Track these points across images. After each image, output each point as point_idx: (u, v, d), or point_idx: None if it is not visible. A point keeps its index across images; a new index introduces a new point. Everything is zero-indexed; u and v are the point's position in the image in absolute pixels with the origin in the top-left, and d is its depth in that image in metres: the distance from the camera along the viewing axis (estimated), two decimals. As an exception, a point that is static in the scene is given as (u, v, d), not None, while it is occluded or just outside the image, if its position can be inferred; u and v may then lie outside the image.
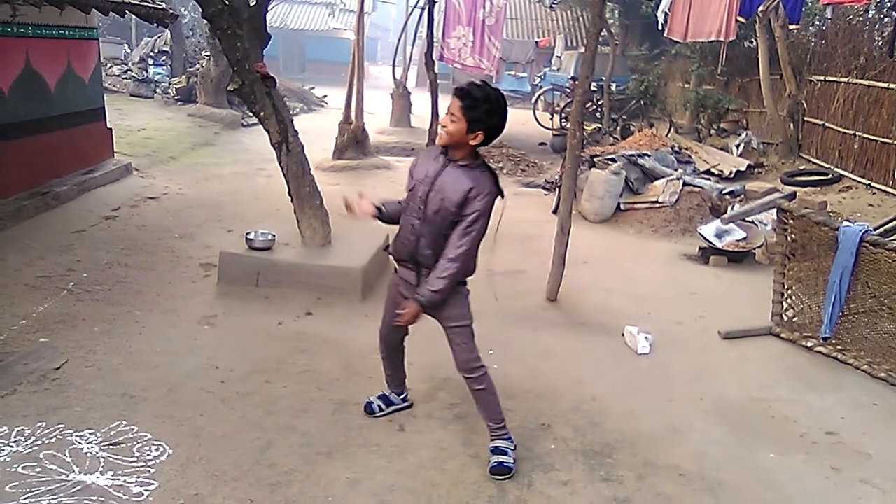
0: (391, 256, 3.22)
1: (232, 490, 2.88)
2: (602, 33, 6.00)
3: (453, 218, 2.93)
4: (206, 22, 5.19)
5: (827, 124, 10.32)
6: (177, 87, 15.52)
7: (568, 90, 15.01)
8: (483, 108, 2.84)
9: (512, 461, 3.13)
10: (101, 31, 12.00)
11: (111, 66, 16.53)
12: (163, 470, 2.97)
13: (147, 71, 16.77)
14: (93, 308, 4.63)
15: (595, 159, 8.75)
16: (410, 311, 3.00)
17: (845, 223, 4.52)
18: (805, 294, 4.81)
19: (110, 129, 8.98)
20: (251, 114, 5.50)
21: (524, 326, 4.80)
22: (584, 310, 5.26)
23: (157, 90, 15.96)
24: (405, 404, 3.60)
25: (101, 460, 3.01)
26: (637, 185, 8.13)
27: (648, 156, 8.83)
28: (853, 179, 9.32)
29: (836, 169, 9.81)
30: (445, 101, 10.16)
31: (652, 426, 3.63)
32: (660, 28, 11.33)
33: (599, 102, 13.75)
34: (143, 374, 3.78)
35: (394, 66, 15.74)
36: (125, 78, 16.31)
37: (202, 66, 15.17)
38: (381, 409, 3.53)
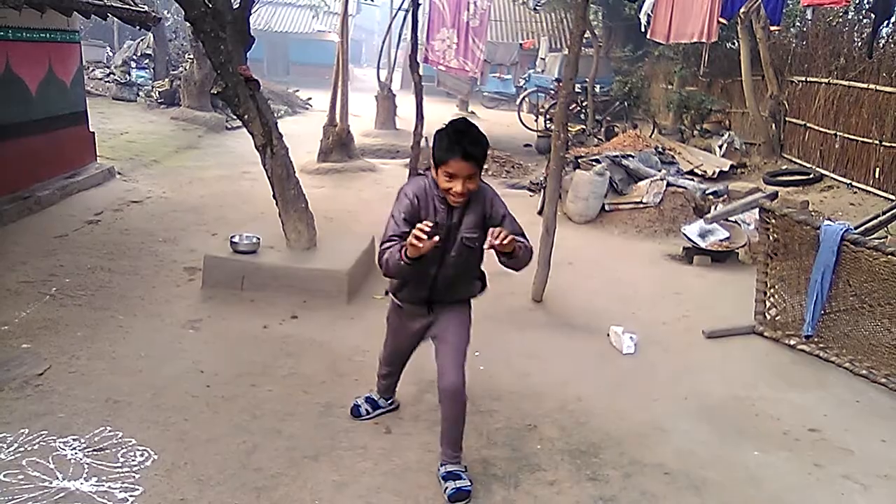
0: (393, 298, 3.07)
1: (217, 494, 2.86)
2: (586, 35, 6.02)
3: (477, 243, 2.80)
4: (188, 25, 5.17)
5: (808, 124, 10.44)
6: (160, 90, 15.43)
7: (552, 92, 15.07)
8: (485, 150, 2.72)
9: (469, 483, 2.97)
10: (83, 34, 11.93)
11: (93, 70, 16.40)
12: (148, 475, 2.95)
13: (130, 74, 16.67)
14: (76, 313, 4.60)
15: (579, 160, 8.80)
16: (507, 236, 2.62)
17: (826, 222, 4.57)
18: (787, 293, 4.85)
19: (93, 132, 8.91)
20: (235, 117, 5.48)
21: (510, 327, 4.81)
22: (569, 310, 5.28)
23: (140, 93, 15.86)
24: (391, 407, 3.59)
25: (86, 466, 2.98)
26: (621, 186, 8.18)
27: (632, 157, 8.89)
28: (834, 179, 9.43)
29: (817, 168, 9.92)
30: (430, 104, 10.05)
31: (637, 425, 3.65)
32: (642, 30, 11.40)
33: (584, 104, 13.83)
34: (128, 379, 3.75)
35: (378, 68, 15.77)
36: (107, 81, 16.19)
37: (185, 70, 15.09)
38: (367, 413, 3.51)
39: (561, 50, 21.72)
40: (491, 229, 2.61)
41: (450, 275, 2.87)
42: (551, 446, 3.39)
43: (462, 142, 2.64)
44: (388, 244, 2.72)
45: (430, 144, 2.73)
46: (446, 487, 2.94)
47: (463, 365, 2.97)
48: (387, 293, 3.13)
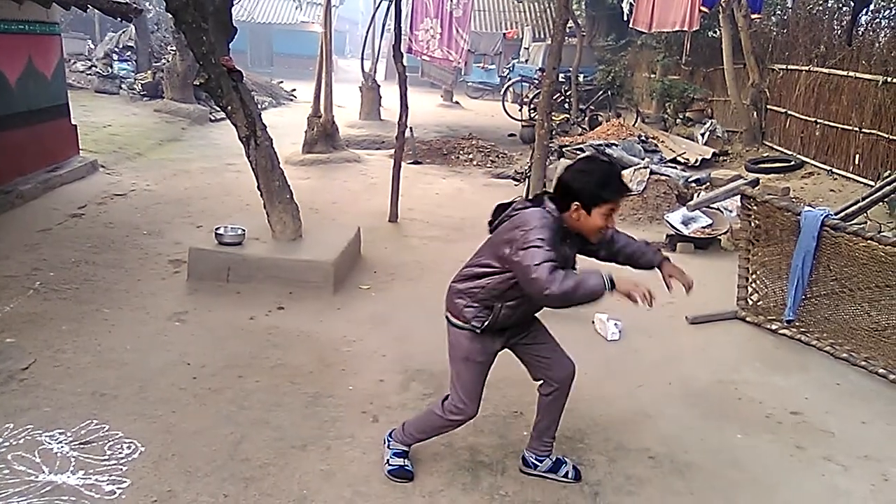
0: (482, 331, 2.85)
1: (205, 486, 2.87)
2: (569, 24, 6.04)
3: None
4: (170, 16, 5.13)
5: (789, 112, 10.51)
6: (142, 82, 15.28)
7: (536, 81, 15.08)
8: None
9: None
10: (64, 26, 11.75)
11: (75, 63, 16.18)
12: (135, 468, 2.95)
13: (112, 66, 16.45)
14: (60, 307, 4.57)
15: (563, 149, 8.83)
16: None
17: (807, 208, 4.62)
18: (769, 278, 4.91)
19: (75, 125, 8.82)
20: (218, 108, 5.45)
21: (496, 316, 4.82)
22: (554, 299, 5.29)
23: (123, 86, 15.69)
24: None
25: (72, 460, 2.98)
26: (605, 175, 8.21)
27: (616, 145, 8.94)
28: (815, 166, 9.52)
29: (798, 156, 10.00)
30: (414, 94, 9.94)
31: (622, 411, 3.69)
32: (625, 19, 11.43)
33: (567, 93, 13.84)
34: (114, 373, 3.74)
35: (362, 59, 15.68)
36: (89, 74, 15.99)
37: (168, 61, 14.95)
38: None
39: (544, 39, 21.67)
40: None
41: None
42: (537, 432, 3.42)
43: (623, 181, 2.76)
44: (553, 267, 2.54)
45: (574, 184, 2.69)
46: (568, 472, 3.06)
47: None
48: (479, 331, 2.83)
